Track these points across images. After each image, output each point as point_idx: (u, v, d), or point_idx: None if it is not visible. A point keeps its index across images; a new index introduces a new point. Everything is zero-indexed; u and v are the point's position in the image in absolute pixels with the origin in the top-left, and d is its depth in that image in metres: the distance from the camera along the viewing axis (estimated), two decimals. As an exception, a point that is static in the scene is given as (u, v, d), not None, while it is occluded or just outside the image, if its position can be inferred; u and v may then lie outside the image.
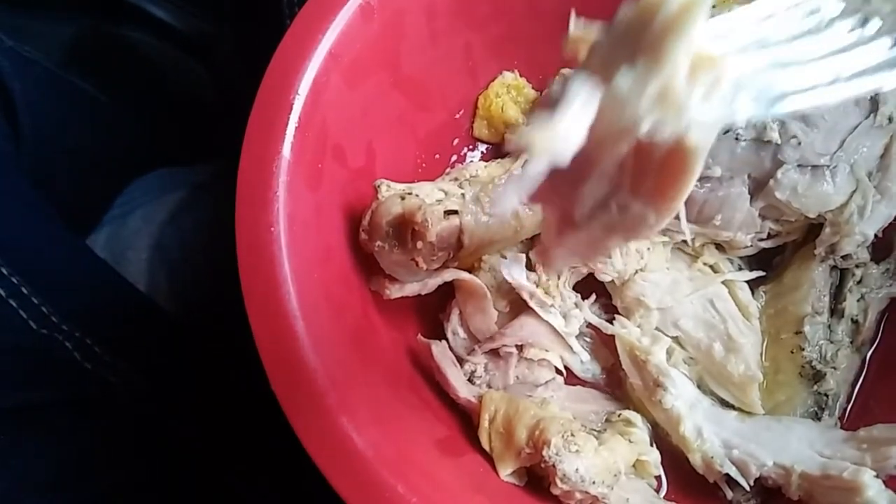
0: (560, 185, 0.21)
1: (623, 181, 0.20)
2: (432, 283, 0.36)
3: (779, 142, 0.35)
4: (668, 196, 0.20)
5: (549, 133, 0.18)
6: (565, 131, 0.18)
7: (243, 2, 0.64)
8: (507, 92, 0.42)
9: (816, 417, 0.37)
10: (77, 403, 0.43)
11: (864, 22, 0.22)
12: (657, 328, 0.38)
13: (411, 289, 0.35)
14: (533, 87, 0.42)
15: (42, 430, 0.41)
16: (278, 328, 0.29)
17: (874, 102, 0.35)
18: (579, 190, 0.21)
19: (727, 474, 0.34)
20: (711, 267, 0.39)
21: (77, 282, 0.49)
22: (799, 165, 0.35)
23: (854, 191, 0.36)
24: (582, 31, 0.22)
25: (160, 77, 0.73)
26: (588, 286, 0.39)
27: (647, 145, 0.19)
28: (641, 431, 0.36)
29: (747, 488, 0.34)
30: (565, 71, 0.41)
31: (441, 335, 0.38)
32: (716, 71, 0.18)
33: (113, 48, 0.70)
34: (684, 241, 0.39)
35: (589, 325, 0.39)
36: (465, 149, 0.43)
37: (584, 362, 0.39)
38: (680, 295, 0.38)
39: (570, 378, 0.39)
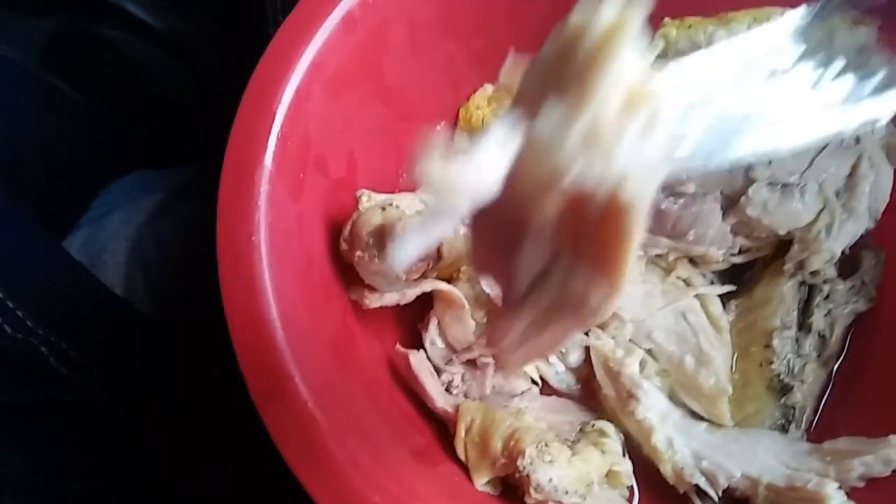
0: (493, 254, 0.19)
1: (562, 247, 0.18)
2: (411, 293, 0.36)
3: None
4: (609, 263, 0.18)
5: (456, 170, 0.15)
6: (476, 169, 0.16)
7: (226, 3, 0.63)
8: (488, 104, 0.42)
9: (784, 430, 0.37)
10: (53, 407, 0.42)
11: (828, 62, 0.21)
12: (631, 340, 0.39)
13: (390, 298, 0.36)
14: (514, 100, 0.43)
15: (18, 434, 0.40)
16: (258, 337, 0.29)
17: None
18: (515, 257, 0.19)
19: (697, 485, 0.35)
20: (684, 280, 0.40)
21: (53, 285, 0.49)
22: (770, 183, 0.36)
23: (822, 209, 0.37)
24: (515, 67, 0.20)
25: (138, 76, 0.72)
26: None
27: (582, 200, 0.16)
28: (614, 442, 0.36)
29: (716, 499, 0.35)
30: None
31: (419, 345, 0.38)
32: (652, 108, 0.16)
33: (90, 46, 0.69)
34: (658, 255, 0.40)
35: (565, 336, 0.40)
36: (446, 160, 0.43)
37: (559, 373, 0.40)
38: (653, 308, 0.39)
39: (546, 389, 0.39)
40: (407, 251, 0.17)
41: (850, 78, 0.21)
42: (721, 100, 0.20)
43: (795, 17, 0.24)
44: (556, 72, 0.17)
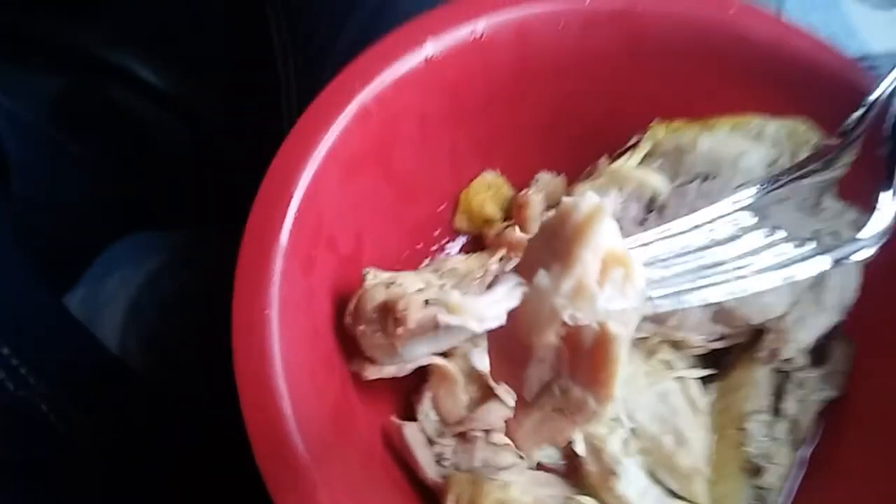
0: (509, 369, 0.25)
1: (562, 368, 0.23)
2: (408, 366, 0.38)
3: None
4: (600, 380, 0.23)
5: (473, 304, 0.21)
6: (487, 307, 0.22)
7: (236, 70, 0.66)
8: (487, 189, 0.45)
9: (756, 511, 0.39)
10: (51, 466, 0.43)
11: (773, 231, 0.30)
12: (614, 419, 0.41)
13: (389, 371, 0.38)
14: (511, 186, 0.46)
15: (15, 491, 0.41)
16: (266, 405, 0.31)
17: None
18: (523, 373, 0.24)
19: (673, 561, 0.36)
20: (666, 363, 0.42)
21: (55, 342, 0.50)
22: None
23: (794, 302, 0.40)
24: None
25: (145, 138, 0.75)
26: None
27: (575, 334, 0.22)
28: (595, 516, 0.38)
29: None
30: (542, 175, 0.46)
31: (413, 416, 0.40)
32: (627, 269, 0.22)
33: (99, 106, 0.72)
34: (642, 338, 0.42)
35: (552, 412, 0.41)
36: (446, 239, 0.46)
37: (545, 449, 0.41)
38: (636, 388, 0.41)
39: (532, 463, 0.41)
40: (417, 352, 0.22)
41: (787, 246, 0.30)
42: (684, 258, 0.29)
43: (746, 195, 0.33)
44: (551, 243, 0.22)
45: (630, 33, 0.40)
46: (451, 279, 0.38)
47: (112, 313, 0.59)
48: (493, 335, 0.26)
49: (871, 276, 0.40)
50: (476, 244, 0.46)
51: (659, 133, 0.40)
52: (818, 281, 0.40)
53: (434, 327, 0.37)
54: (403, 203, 0.41)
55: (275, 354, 0.31)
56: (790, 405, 0.42)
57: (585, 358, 0.22)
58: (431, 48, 0.37)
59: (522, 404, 0.25)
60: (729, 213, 0.33)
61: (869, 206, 0.34)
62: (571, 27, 0.40)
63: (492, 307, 0.23)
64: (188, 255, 0.60)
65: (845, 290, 0.40)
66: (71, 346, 0.51)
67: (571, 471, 0.41)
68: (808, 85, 0.39)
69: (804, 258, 0.30)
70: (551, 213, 0.25)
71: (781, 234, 0.31)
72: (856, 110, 0.35)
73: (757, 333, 0.42)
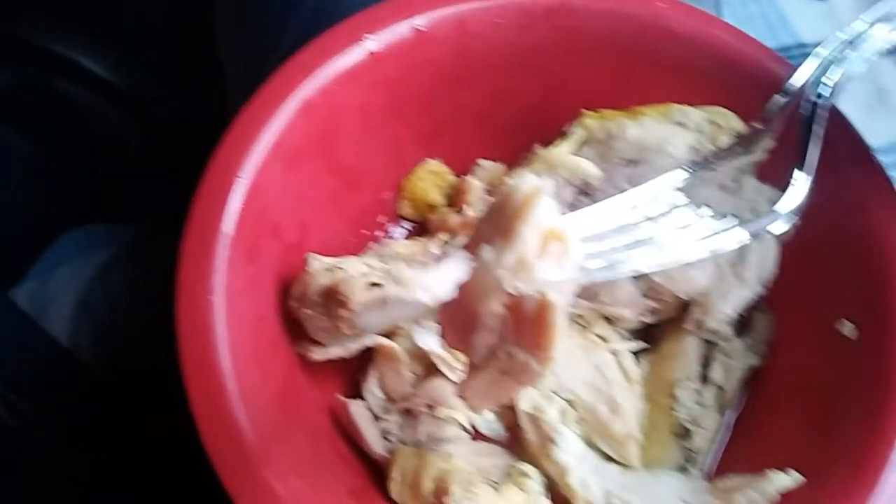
0: (459, 336, 0.27)
1: (506, 334, 0.26)
2: (354, 347, 0.40)
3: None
4: (541, 344, 0.25)
5: (423, 277, 0.24)
6: (437, 280, 0.24)
7: (184, 59, 0.66)
8: (430, 177, 0.47)
9: (685, 471, 0.42)
10: (3, 461, 0.43)
11: (700, 208, 0.34)
12: (552, 391, 0.43)
13: (334, 352, 0.39)
14: (454, 174, 0.48)
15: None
16: (211, 387, 0.32)
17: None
18: (472, 340, 0.27)
19: (607, 521, 0.39)
20: (601, 337, 0.45)
21: (2, 337, 0.50)
22: (671, 254, 0.41)
23: (717, 276, 0.42)
24: None
25: (92, 131, 0.74)
26: (494, 352, 0.44)
27: (518, 304, 0.24)
28: (535, 483, 0.40)
29: (622, 533, 0.39)
30: (483, 162, 0.47)
31: (360, 395, 0.41)
32: (564, 243, 0.24)
33: (45, 100, 0.71)
34: (578, 315, 0.44)
35: (494, 387, 0.44)
36: (391, 226, 0.48)
37: (488, 420, 0.43)
38: (573, 361, 0.43)
39: (476, 435, 0.43)
40: (371, 324, 0.24)
41: (712, 221, 0.34)
42: (618, 233, 0.32)
43: (677, 176, 0.37)
44: (496, 221, 0.25)
45: (564, 28, 0.42)
46: (394, 263, 0.40)
47: (61, 307, 0.58)
48: (443, 306, 0.28)
49: (788, 252, 0.43)
50: (420, 230, 0.48)
51: (589, 122, 0.42)
52: (739, 257, 0.43)
53: (383, 304, 0.38)
54: (347, 192, 0.43)
55: (219, 339, 0.33)
56: (717, 373, 0.44)
57: (527, 324, 0.25)
58: (372, 43, 0.39)
59: (472, 368, 0.28)
60: (660, 192, 0.36)
61: (784, 185, 0.37)
62: (508, 23, 0.41)
63: (441, 280, 0.25)
64: (137, 248, 0.60)
65: (764, 265, 0.43)
66: (19, 340, 0.51)
67: (513, 440, 0.44)
68: (729, 74, 0.42)
69: (726, 231, 0.34)
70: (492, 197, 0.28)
71: (707, 211, 0.35)
72: (776, 96, 0.38)
73: (685, 307, 0.45)
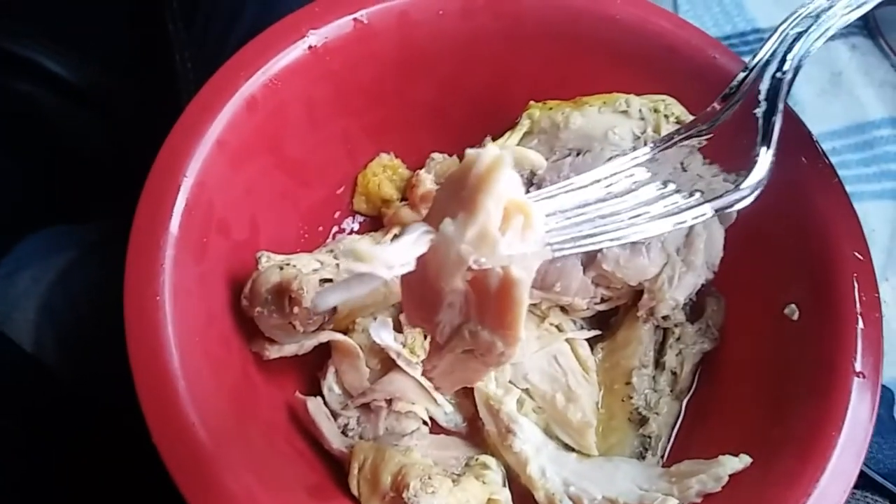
0: (421, 314, 0.26)
1: (470, 312, 0.24)
2: (309, 344, 0.40)
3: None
4: (506, 323, 0.24)
5: (381, 251, 0.22)
6: (396, 254, 0.23)
7: (138, 58, 0.65)
8: (384, 171, 0.47)
9: (641, 457, 0.43)
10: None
11: (665, 185, 0.34)
12: (510, 381, 0.44)
13: (289, 349, 0.39)
14: (407, 167, 0.48)
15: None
16: (161, 387, 0.32)
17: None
18: (435, 318, 0.25)
19: (565, 508, 0.40)
20: (556, 326, 0.45)
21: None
22: (621, 242, 0.42)
23: (665, 263, 0.43)
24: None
25: (52, 131, 0.73)
26: (452, 345, 0.44)
27: (481, 280, 0.23)
28: (495, 473, 0.41)
29: (580, 521, 0.39)
30: (436, 155, 0.48)
31: (318, 391, 0.41)
32: (527, 217, 0.23)
33: (3, 101, 0.70)
34: (533, 304, 0.45)
35: (452, 379, 0.44)
36: (346, 221, 0.48)
37: (447, 413, 0.44)
38: (529, 351, 0.44)
39: (435, 428, 0.43)
40: (329, 300, 0.23)
41: (677, 197, 0.34)
42: (583, 209, 0.31)
43: (642, 153, 0.37)
44: (456, 192, 0.23)
45: (507, 17, 0.42)
46: (346, 259, 0.40)
47: (24, 312, 0.58)
48: (405, 281, 0.26)
49: (736, 237, 0.44)
50: (376, 224, 0.48)
51: (535, 113, 0.43)
52: (686, 243, 0.43)
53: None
54: (298, 188, 0.43)
55: (168, 338, 0.33)
56: (670, 358, 0.45)
57: (492, 302, 0.23)
58: (314, 38, 0.39)
59: (436, 347, 0.27)
60: (625, 170, 0.35)
61: (730, 165, 0.37)
62: (451, 13, 0.42)
63: (400, 254, 0.23)
64: (98, 250, 0.60)
65: (712, 250, 0.43)
66: (-23, 346, 0.50)
67: (473, 432, 0.44)
68: (671, 62, 0.43)
69: (690, 207, 0.33)
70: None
71: (672, 187, 0.35)
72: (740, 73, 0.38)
73: (638, 294, 0.45)
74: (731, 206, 0.34)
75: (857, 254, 0.38)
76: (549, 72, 0.44)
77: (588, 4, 0.42)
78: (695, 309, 0.46)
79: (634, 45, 0.42)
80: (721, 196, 0.34)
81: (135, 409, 0.33)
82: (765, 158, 0.35)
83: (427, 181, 0.43)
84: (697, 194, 0.34)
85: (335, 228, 0.47)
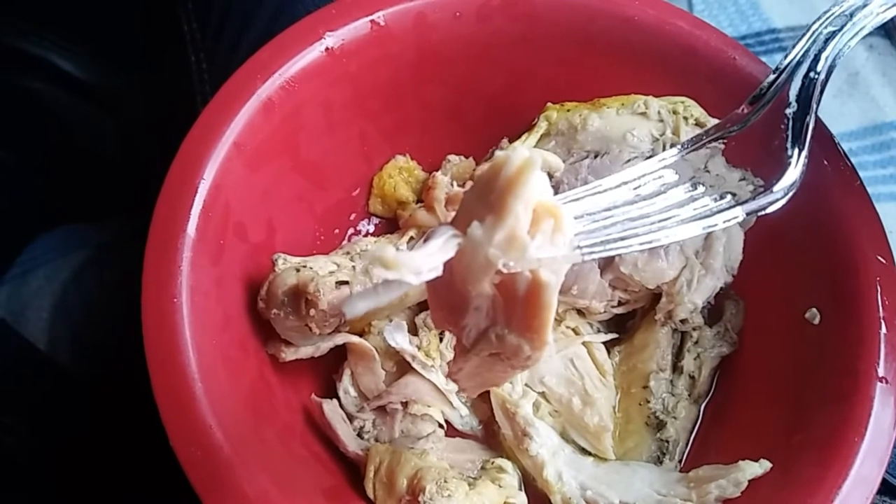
0: (448, 316, 0.26)
1: (497, 316, 0.24)
2: (325, 346, 0.40)
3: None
4: (534, 327, 0.23)
5: (409, 258, 0.22)
6: (423, 260, 0.22)
7: (151, 57, 0.66)
8: (400, 173, 0.47)
9: (659, 461, 0.42)
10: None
11: (694, 187, 0.32)
12: (526, 384, 0.43)
13: (305, 352, 0.39)
14: (422, 170, 0.48)
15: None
16: (178, 389, 0.32)
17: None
18: (462, 321, 0.25)
19: (582, 513, 0.39)
20: (573, 330, 0.45)
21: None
22: (639, 245, 0.42)
23: (684, 266, 0.42)
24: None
25: (65, 130, 0.73)
26: (468, 347, 0.44)
27: (509, 283, 0.22)
28: (511, 477, 0.40)
29: (597, 524, 0.39)
30: (452, 157, 0.47)
31: (333, 394, 0.41)
32: (557, 220, 0.22)
33: (15, 99, 0.70)
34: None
35: (468, 382, 0.44)
36: (362, 223, 0.48)
37: (463, 416, 0.44)
38: (545, 355, 0.44)
39: (451, 431, 0.43)
40: (358, 307, 0.23)
41: (707, 199, 0.32)
42: (612, 212, 0.30)
43: (670, 154, 0.35)
44: (485, 195, 0.22)
45: (523, 19, 0.42)
46: (362, 261, 0.40)
47: (38, 311, 0.58)
48: (431, 285, 0.25)
49: (757, 241, 0.43)
50: (391, 227, 0.48)
51: (552, 114, 0.42)
52: (706, 246, 0.43)
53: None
54: (315, 190, 0.43)
55: (185, 341, 0.33)
56: (688, 362, 0.45)
57: (519, 306, 0.23)
58: (331, 40, 0.39)
59: (462, 350, 0.27)
60: (653, 171, 0.34)
61: (759, 168, 0.36)
62: (467, 14, 0.41)
63: (428, 259, 0.22)
64: (111, 249, 0.60)
65: (731, 253, 0.43)
66: (-4, 346, 0.51)
67: (488, 435, 0.44)
68: (689, 63, 0.42)
69: (721, 210, 0.32)
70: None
71: (701, 189, 0.33)
72: (771, 75, 0.37)
73: (656, 298, 0.45)
74: (764, 209, 0.33)
75: (880, 257, 0.37)
76: (565, 73, 0.43)
77: (604, 5, 0.42)
78: (713, 312, 0.46)
79: (652, 46, 0.42)
80: (753, 199, 0.33)
81: (150, 410, 0.33)
82: (798, 160, 0.34)
83: (443, 183, 0.43)
84: (728, 197, 0.33)
85: (351, 230, 0.47)
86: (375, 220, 0.48)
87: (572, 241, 0.23)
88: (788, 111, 0.36)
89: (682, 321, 0.44)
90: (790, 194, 0.34)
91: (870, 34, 0.65)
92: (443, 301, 0.25)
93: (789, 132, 0.35)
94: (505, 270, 0.22)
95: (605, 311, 0.44)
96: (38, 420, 0.49)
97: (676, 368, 0.45)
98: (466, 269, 0.22)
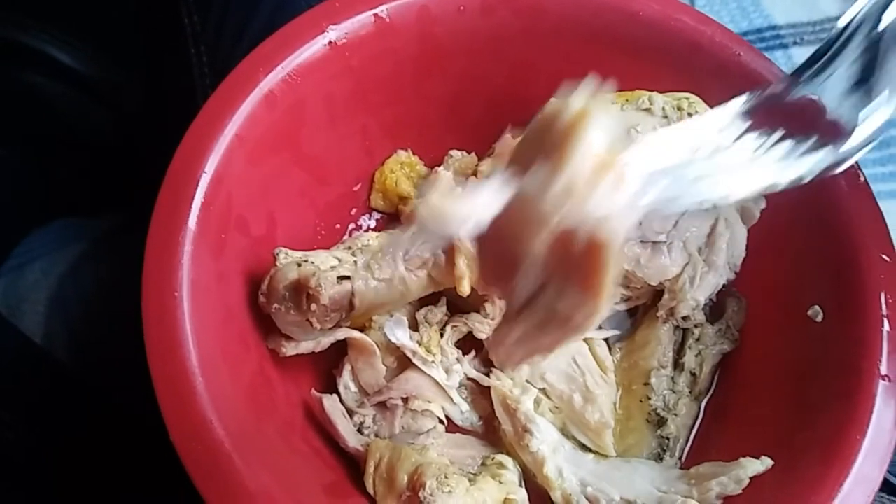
0: (497, 276, 0.24)
1: (551, 277, 0.22)
2: (325, 341, 0.39)
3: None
4: (591, 288, 0.21)
5: (455, 204, 0.20)
6: (471, 208, 0.20)
7: (151, 50, 0.65)
8: (401, 168, 0.47)
9: (660, 458, 0.42)
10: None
11: (771, 133, 0.27)
12: (527, 380, 0.43)
13: (306, 346, 0.39)
14: (424, 165, 0.48)
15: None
16: (178, 383, 0.32)
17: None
18: (512, 280, 0.23)
19: (582, 509, 0.39)
20: (575, 326, 0.45)
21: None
22: (641, 241, 0.41)
23: (687, 263, 0.42)
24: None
25: (64, 124, 0.73)
26: (469, 343, 0.44)
27: (566, 240, 0.20)
28: (511, 473, 0.40)
29: (597, 521, 0.39)
30: (454, 152, 0.47)
31: (334, 389, 0.41)
32: (619, 170, 0.20)
33: (12, 91, 0.70)
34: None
35: (468, 378, 0.44)
36: (363, 218, 0.47)
37: (463, 412, 0.44)
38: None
39: (451, 426, 0.43)
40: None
41: (787, 144, 0.27)
42: (678, 162, 0.25)
43: (740, 101, 0.29)
44: (541, 142, 0.21)
45: (527, 13, 0.42)
46: (363, 256, 0.40)
47: (34, 305, 0.58)
48: (480, 241, 0.23)
49: (759, 238, 0.43)
50: (393, 222, 0.47)
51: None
52: (708, 243, 0.43)
53: (349, 303, 0.38)
54: (316, 184, 0.42)
55: (186, 335, 0.32)
56: (689, 359, 0.45)
57: (575, 266, 0.21)
58: (333, 33, 0.38)
59: (509, 316, 0.25)
60: (723, 121, 0.29)
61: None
62: (470, 8, 0.41)
63: (477, 210, 0.20)
64: (108, 243, 0.59)
65: (734, 250, 0.43)
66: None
67: (489, 432, 0.44)
68: (694, 59, 0.42)
69: (806, 155, 0.28)
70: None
71: (779, 133, 0.28)
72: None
73: (658, 294, 0.45)
74: (845, 160, 0.29)
75: (884, 255, 0.37)
76: (569, 68, 0.43)
77: (609, 0, 0.42)
78: (715, 309, 0.46)
79: (656, 41, 0.42)
80: (840, 139, 0.28)
81: (149, 405, 0.33)
82: (876, 115, 0.29)
83: (445, 178, 0.43)
84: (809, 140, 0.28)
85: (352, 225, 0.47)
86: (377, 215, 0.48)
87: (636, 195, 0.21)
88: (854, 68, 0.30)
89: (684, 318, 0.44)
90: (867, 146, 0.30)
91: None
92: (492, 258, 0.23)
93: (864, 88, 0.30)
94: (562, 227, 0.20)
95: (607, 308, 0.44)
96: (35, 416, 0.48)
97: (678, 365, 0.45)
98: (520, 222, 0.21)
